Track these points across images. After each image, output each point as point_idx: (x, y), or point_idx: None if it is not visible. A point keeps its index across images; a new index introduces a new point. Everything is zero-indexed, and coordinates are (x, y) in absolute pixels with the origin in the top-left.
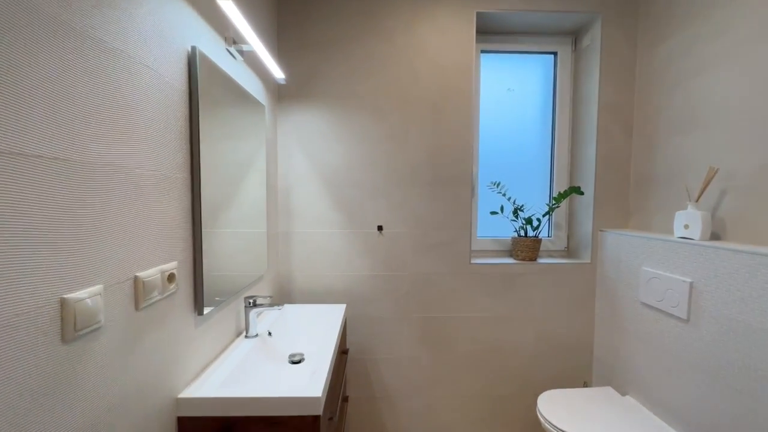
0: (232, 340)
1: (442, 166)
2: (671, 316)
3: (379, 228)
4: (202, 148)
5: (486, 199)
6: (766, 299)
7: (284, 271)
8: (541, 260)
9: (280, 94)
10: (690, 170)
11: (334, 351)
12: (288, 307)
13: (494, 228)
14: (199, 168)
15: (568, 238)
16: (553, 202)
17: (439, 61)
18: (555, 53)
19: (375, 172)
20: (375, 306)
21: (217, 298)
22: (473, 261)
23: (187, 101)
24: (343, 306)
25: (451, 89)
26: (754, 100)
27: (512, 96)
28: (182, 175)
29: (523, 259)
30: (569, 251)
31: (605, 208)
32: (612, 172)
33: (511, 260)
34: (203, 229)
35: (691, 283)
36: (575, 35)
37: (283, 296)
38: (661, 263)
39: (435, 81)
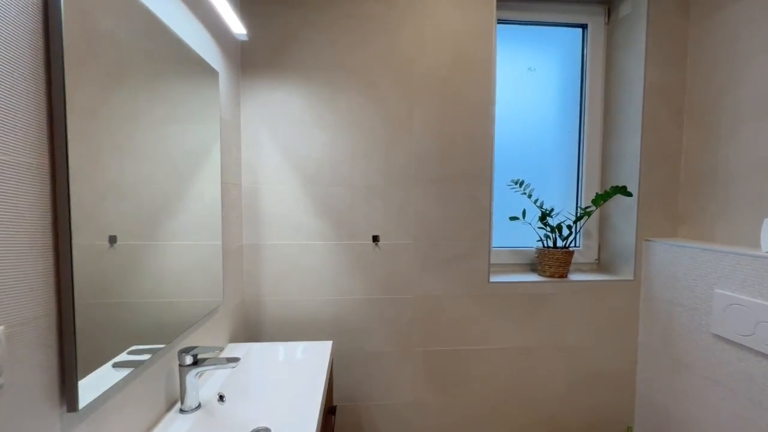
0: (158, 420)
1: (455, 160)
2: (767, 356)
3: (375, 239)
4: (86, 123)
5: (501, 201)
6: None
7: (250, 297)
8: (572, 276)
9: (245, 62)
10: None
11: (318, 420)
12: (254, 350)
13: (511, 236)
14: (66, 149)
15: (599, 249)
16: (590, 205)
17: (451, 26)
18: (585, 26)
19: (369, 168)
20: (370, 338)
21: (119, 361)
22: (492, 279)
23: (43, 42)
24: (329, 344)
25: (465, 61)
26: None
27: (533, 78)
28: (31, 160)
29: (552, 276)
30: (601, 265)
31: (649, 213)
32: (658, 170)
33: (536, 277)
34: (75, 246)
35: None
36: (608, 4)
37: (248, 332)
38: (746, 286)
39: (445, 51)
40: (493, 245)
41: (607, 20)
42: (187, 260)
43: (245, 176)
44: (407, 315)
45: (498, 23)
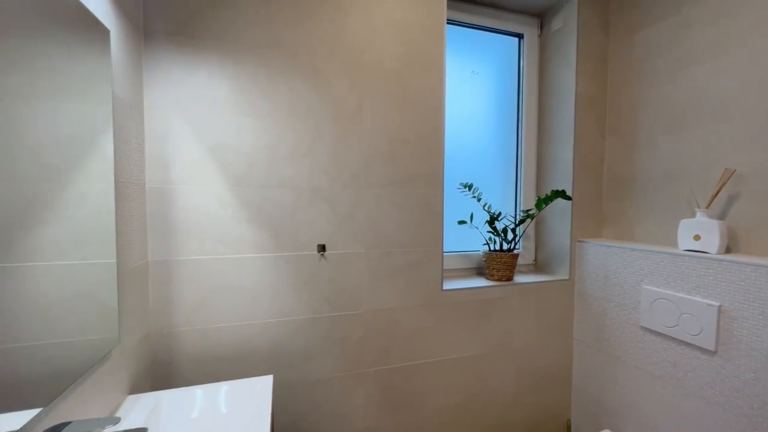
0: None
1: (408, 160)
2: (690, 345)
3: (321, 249)
4: None
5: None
6: None
7: (159, 330)
8: (516, 279)
9: (149, 26)
10: (687, 172)
11: None
12: (164, 403)
13: (458, 240)
14: None
15: (536, 251)
16: (532, 208)
17: (402, 16)
18: (521, 36)
19: (314, 167)
20: (315, 364)
21: None
22: (445, 286)
23: None
24: (269, 380)
25: (416, 55)
26: (764, 94)
27: (476, 81)
28: None
29: (500, 279)
30: (538, 265)
31: (581, 215)
32: (587, 175)
33: (486, 281)
34: None
35: (719, 308)
36: (541, 17)
37: (157, 377)
38: (670, 282)
39: (396, 42)
40: (444, 250)
41: (540, 32)
42: (62, 286)
43: (151, 174)
44: (358, 333)
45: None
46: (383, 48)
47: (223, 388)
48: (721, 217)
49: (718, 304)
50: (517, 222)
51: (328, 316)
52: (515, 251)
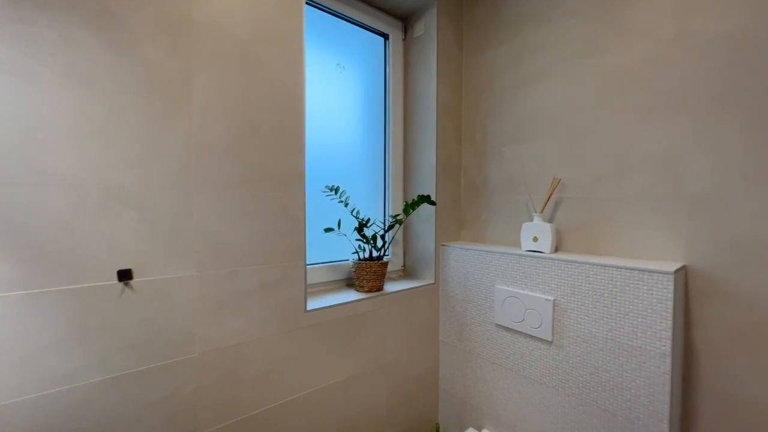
0: None
1: (260, 155)
2: (533, 337)
3: (124, 276)
4: None
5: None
6: (636, 315)
7: None
8: (387, 287)
9: None
10: (526, 180)
11: None
12: None
13: (325, 250)
14: None
15: (404, 256)
16: (399, 214)
17: None
18: (387, 36)
19: (110, 156)
20: None
21: None
22: (310, 306)
23: None
24: None
25: (270, 26)
26: (581, 115)
27: (342, 76)
28: None
29: (370, 290)
30: (406, 271)
31: (444, 220)
32: (448, 181)
33: (355, 294)
34: None
35: (553, 301)
36: (405, 21)
37: None
38: (517, 281)
39: (243, 6)
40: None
41: (404, 36)
42: None
43: None
44: (190, 385)
45: (307, 3)
46: (222, 5)
47: None
48: (551, 220)
49: (552, 298)
50: (386, 228)
51: (140, 371)
52: (385, 259)
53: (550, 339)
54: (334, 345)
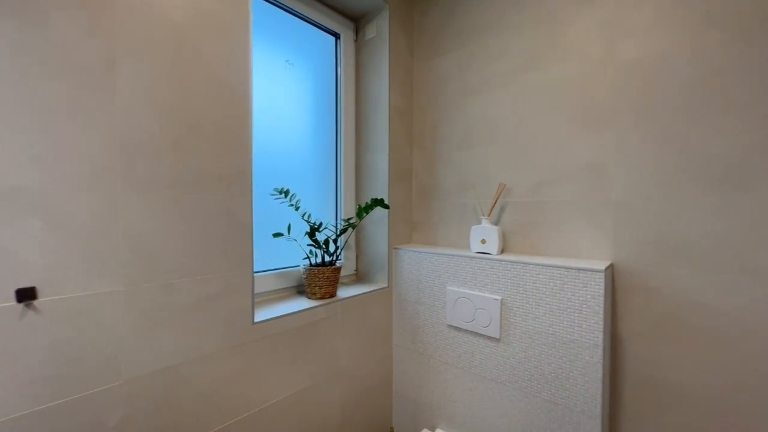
0: None
1: (202, 154)
2: (483, 336)
3: (25, 295)
4: None
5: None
6: (573, 310)
7: None
8: (340, 293)
9: None
10: (474, 184)
11: None
12: None
13: (275, 256)
14: None
15: (357, 260)
16: (352, 217)
17: None
18: (338, 36)
19: (5, 151)
20: None
21: None
22: (258, 318)
23: None
24: None
25: (211, 14)
26: (523, 125)
27: (291, 74)
28: None
29: (323, 297)
30: (359, 275)
31: (396, 223)
32: (400, 184)
33: (307, 302)
34: None
35: (501, 301)
36: (356, 22)
37: None
38: (467, 282)
39: None
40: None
41: (356, 37)
42: None
43: None
44: (115, 416)
45: None
46: None
47: None
48: (498, 223)
49: (500, 297)
50: (338, 232)
51: (48, 408)
52: (338, 263)
53: (498, 336)
54: (286, 357)
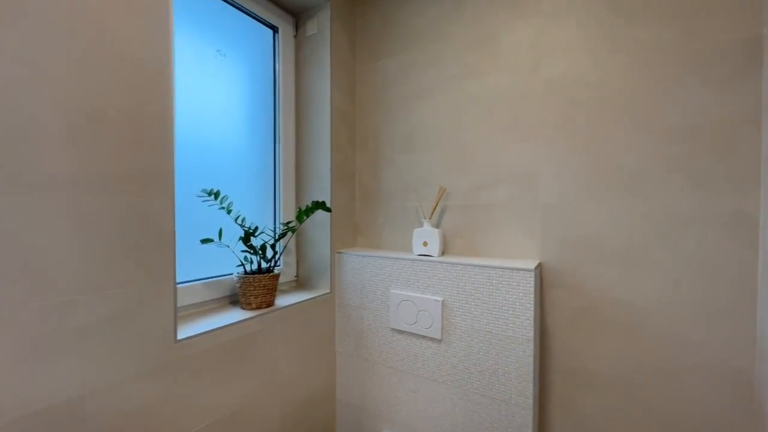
0: None
1: (110, 147)
2: (425, 338)
3: None
4: None
5: (182, 216)
6: (507, 308)
7: None
8: (279, 302)
9: None
10: (417, 187)
11: None
12: None
13: (204, 264)
14: None
15: (297, 265)
16: (292, 221)
17: None
18: (276, 29)
19: None
20: None
21: None
22: (181, 335)
23: None
24: None
25: None
26: (462, 131)
27: (223, 66)
28: None
29: (259, 306)
30: (300, 281)
31: (339, 226)
32: (343, 186)
33: (241, 313)
34: None
35: (442, 302)
36: (296, 17)
37: None
38: (410, 284)
39: None
40: (178, 281)
41: (295, 33)
42: None
43: None
44: None
45: None
46: None
47: None
48: (439, 225)
49: (441, 298)
50: (277, 237)
51: None
52: (276, 270)
53: (439, 337)
54: (216, 376)
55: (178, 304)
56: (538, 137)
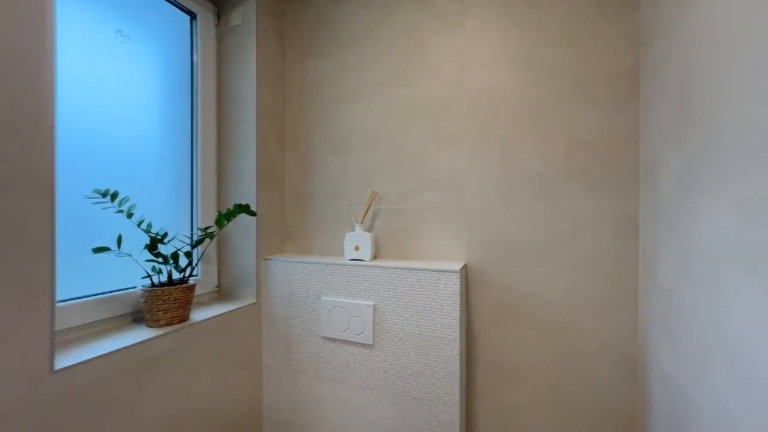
0: None
1: None
2: (357, 344)
3: None
4: None
5: (68, 222)
6: (435, 309)
7: None
8: (194, 316)
9: None
10: (349, 191)
11: None
12: None
13: (98, 277)
14: None
15: (219, 274)
16: (211, 226)
17: None
18: (194, 16)
19: None
20: None
21: None
22: (60, 363)
23: None
24: None
25: None
26: (394, 135)
27: (125, 49)
28: None
29: (169, 323)
30: (222, 291)
31: (266, 231)
32: (270, 189)
33: (146, 332)
34: None
35: (374, 306)
36: (218, 5)
37: None
38: (342, 290)
39: None
40: (60, 298)
41: (217, 21)
42: None
43: None
44: None
45: None
46: None
47: None
48: (371, 229)
49: (372, 303)
50: (193, 244)
51: None
52: (192, 280)
53: (371, 343)
54: (109, 409)
55: (60, 326)
56: (464, 144)
